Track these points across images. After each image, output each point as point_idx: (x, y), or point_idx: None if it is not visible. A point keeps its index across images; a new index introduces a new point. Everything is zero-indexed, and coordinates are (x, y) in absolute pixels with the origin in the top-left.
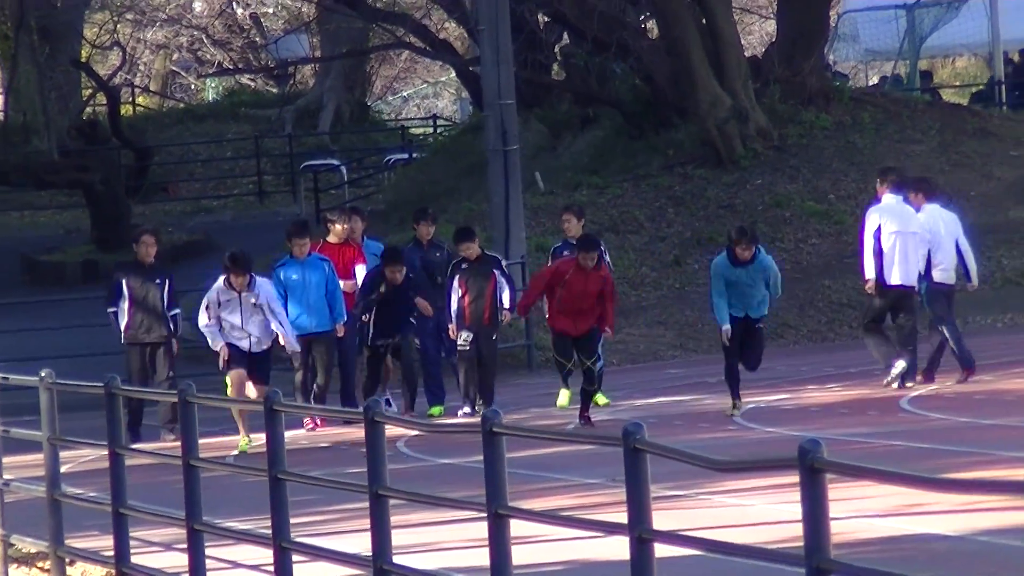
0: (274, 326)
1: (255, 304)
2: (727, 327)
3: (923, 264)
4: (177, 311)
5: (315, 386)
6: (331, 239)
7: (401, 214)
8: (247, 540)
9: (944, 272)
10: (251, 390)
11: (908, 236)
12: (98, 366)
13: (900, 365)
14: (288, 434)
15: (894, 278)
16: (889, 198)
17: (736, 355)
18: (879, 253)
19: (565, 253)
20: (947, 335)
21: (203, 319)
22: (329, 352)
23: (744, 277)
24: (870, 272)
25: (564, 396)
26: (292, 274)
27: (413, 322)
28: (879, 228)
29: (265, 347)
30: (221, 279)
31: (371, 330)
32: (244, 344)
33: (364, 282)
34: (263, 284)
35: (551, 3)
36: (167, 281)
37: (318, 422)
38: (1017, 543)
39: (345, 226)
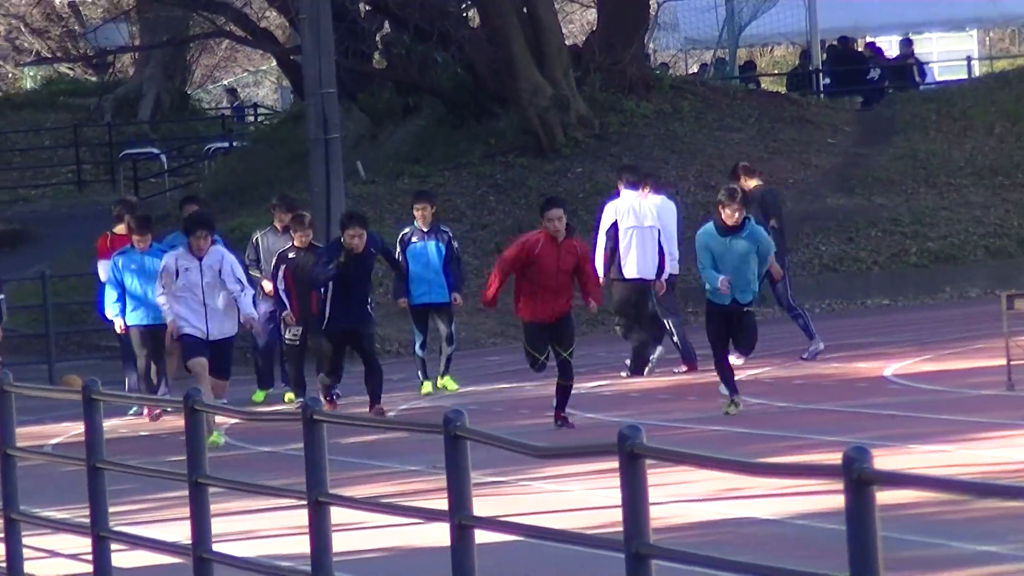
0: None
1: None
2: (723, 278)
3: (658, 257)
4: (1, 297)
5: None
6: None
7: (222, 202)
8: (65, 529)
9: (672, 263)
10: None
11: (645, 231)
12: None
13: (658, 351)
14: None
15: (632, 271)
16: (627, 194)
17: (725, 344)
18: (614, 249)
19: (415, 240)
20: (671, 327)
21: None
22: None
23: (733, 248)
24: (602, 268)
25: (427, 386)
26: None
27: (370, 309)
28: (615, 224)
29: (228, 334)
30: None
31: (328, 316)
32: (202, 328)
33: (322, 253)
34: (225, 253)
35: None
36: None
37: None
38: (834, 526)
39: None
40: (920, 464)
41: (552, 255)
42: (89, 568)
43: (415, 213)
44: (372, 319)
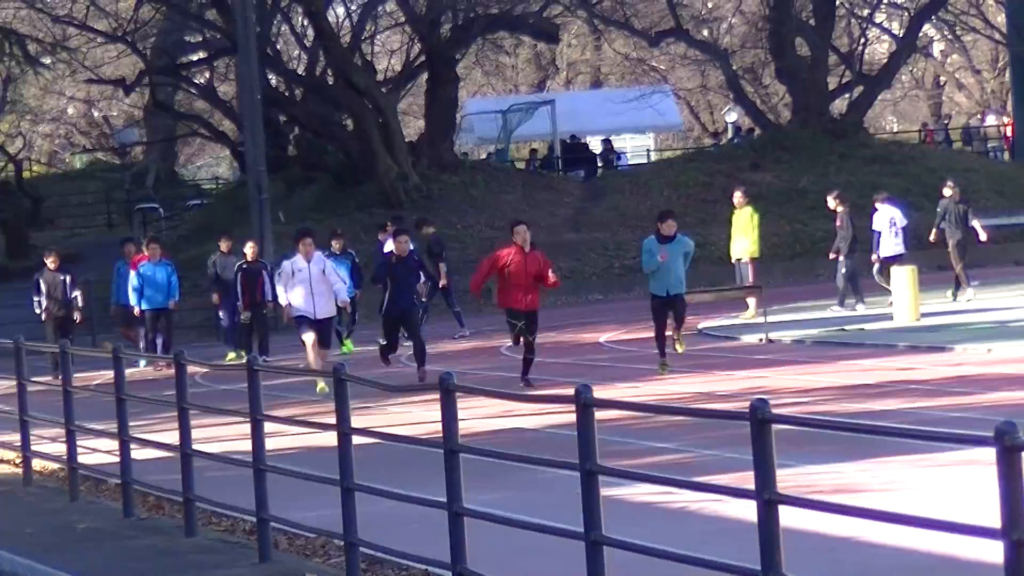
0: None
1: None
2: (656, 258)
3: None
4: (77, 294)
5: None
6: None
7: (197, 237)
8: (102, 435)
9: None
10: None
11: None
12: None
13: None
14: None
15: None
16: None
17: (664, 323)
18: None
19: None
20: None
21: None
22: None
23: (668, 251)
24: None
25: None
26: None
27: (415, 297)
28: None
29: (329, 314)
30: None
31: (385, 303)
32: (311, 310)
33: (379, 260)
34: (324, 257)
35: (287, 109)
36: (67, 277)
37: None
38: (568, 432)
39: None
40: (622, 395)
41: (520, 261)
42: (116, 459)
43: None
44: (416, 307)
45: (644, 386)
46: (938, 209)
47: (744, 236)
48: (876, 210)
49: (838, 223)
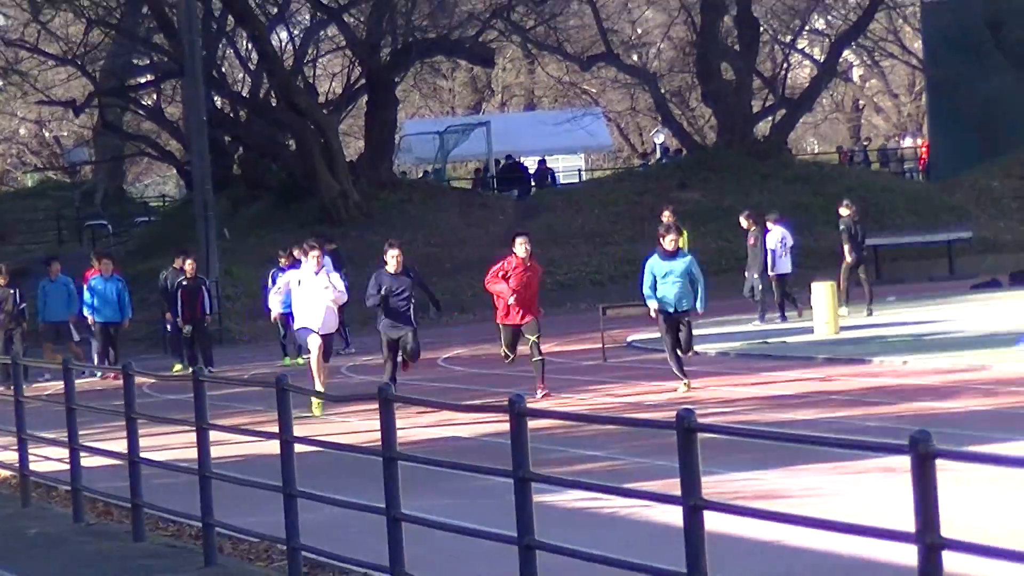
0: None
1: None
2: (653, 303)
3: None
4: (23, 306)
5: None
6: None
7: (144, 253)
8: (53, 444)
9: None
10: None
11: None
12: None
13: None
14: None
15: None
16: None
17: (676, 338)
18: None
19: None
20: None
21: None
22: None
23: (671, 269)
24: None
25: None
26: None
27: (411, 317)
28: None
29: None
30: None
31: (383, 322)
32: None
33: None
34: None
35: (232, 130)
36: (16, 291)
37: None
38: (502, 441)
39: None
40: (554, 405)
41: (521, 269)
42: (67, 466)
43: (283, 257)
44: (414, 325)
45: (576, 397)
46: (841, 227)
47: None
48: (769, 231)
49: (750, 241)
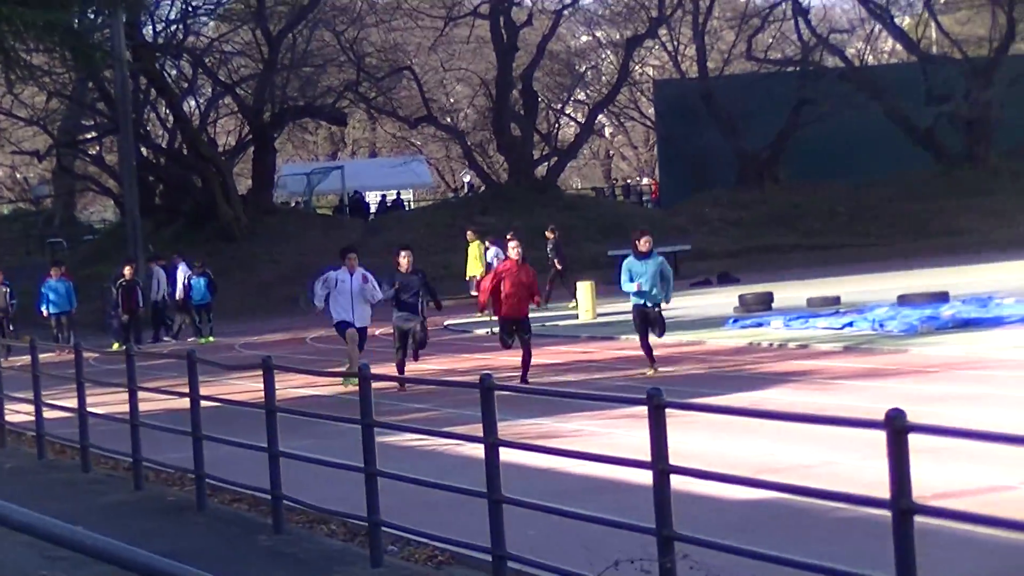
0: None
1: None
2: (633, 284)
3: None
4: (15, 302)
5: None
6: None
7: (90, 263)
8: (21, 401)
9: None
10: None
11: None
12: None
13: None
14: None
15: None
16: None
17: (645, 331)
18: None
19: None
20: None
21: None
22: None
23: (644, 268)
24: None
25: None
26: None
27: (420, 310)
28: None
29: (367, 323)
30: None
31: (395, 314)
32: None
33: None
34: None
35: (154, 172)
36: (8, 289)
37: None
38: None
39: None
40: (387, 371)
41: (514, 271)
42: (33, 418)
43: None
44: (422, 317)
45: (411, 364)
46: (549, 247)
47: (474, 260)
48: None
49: (550, 246)
